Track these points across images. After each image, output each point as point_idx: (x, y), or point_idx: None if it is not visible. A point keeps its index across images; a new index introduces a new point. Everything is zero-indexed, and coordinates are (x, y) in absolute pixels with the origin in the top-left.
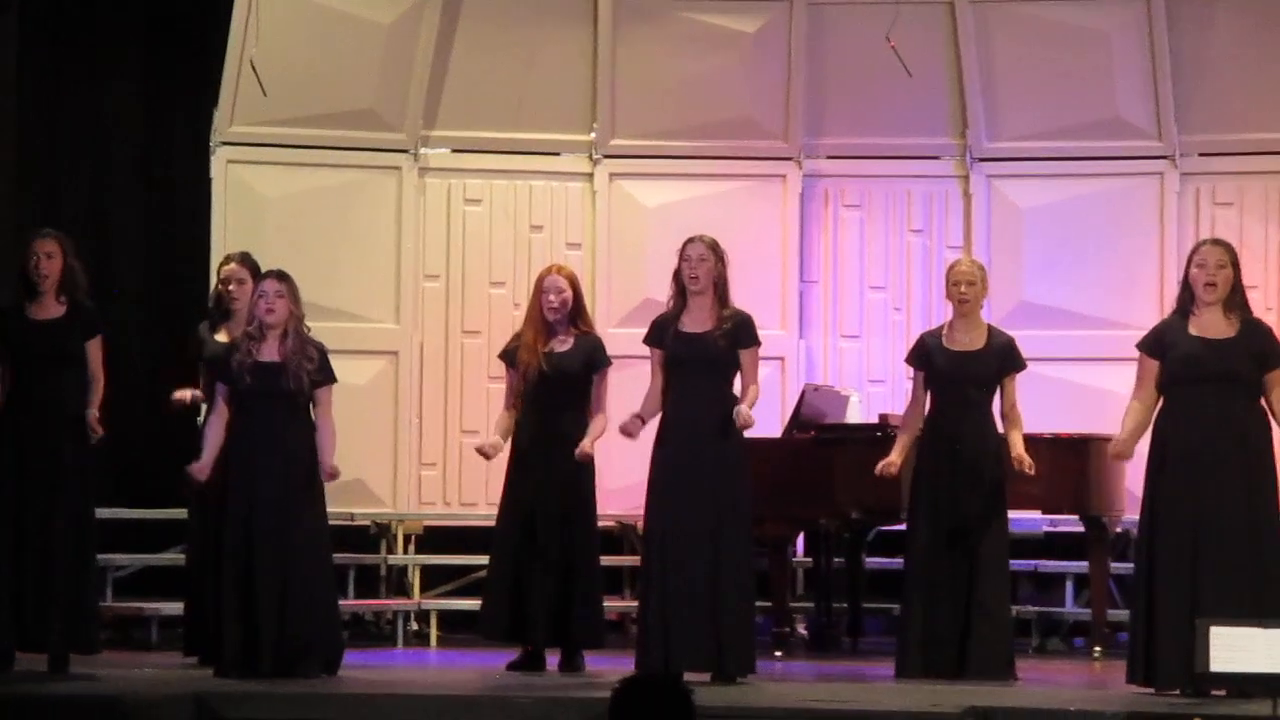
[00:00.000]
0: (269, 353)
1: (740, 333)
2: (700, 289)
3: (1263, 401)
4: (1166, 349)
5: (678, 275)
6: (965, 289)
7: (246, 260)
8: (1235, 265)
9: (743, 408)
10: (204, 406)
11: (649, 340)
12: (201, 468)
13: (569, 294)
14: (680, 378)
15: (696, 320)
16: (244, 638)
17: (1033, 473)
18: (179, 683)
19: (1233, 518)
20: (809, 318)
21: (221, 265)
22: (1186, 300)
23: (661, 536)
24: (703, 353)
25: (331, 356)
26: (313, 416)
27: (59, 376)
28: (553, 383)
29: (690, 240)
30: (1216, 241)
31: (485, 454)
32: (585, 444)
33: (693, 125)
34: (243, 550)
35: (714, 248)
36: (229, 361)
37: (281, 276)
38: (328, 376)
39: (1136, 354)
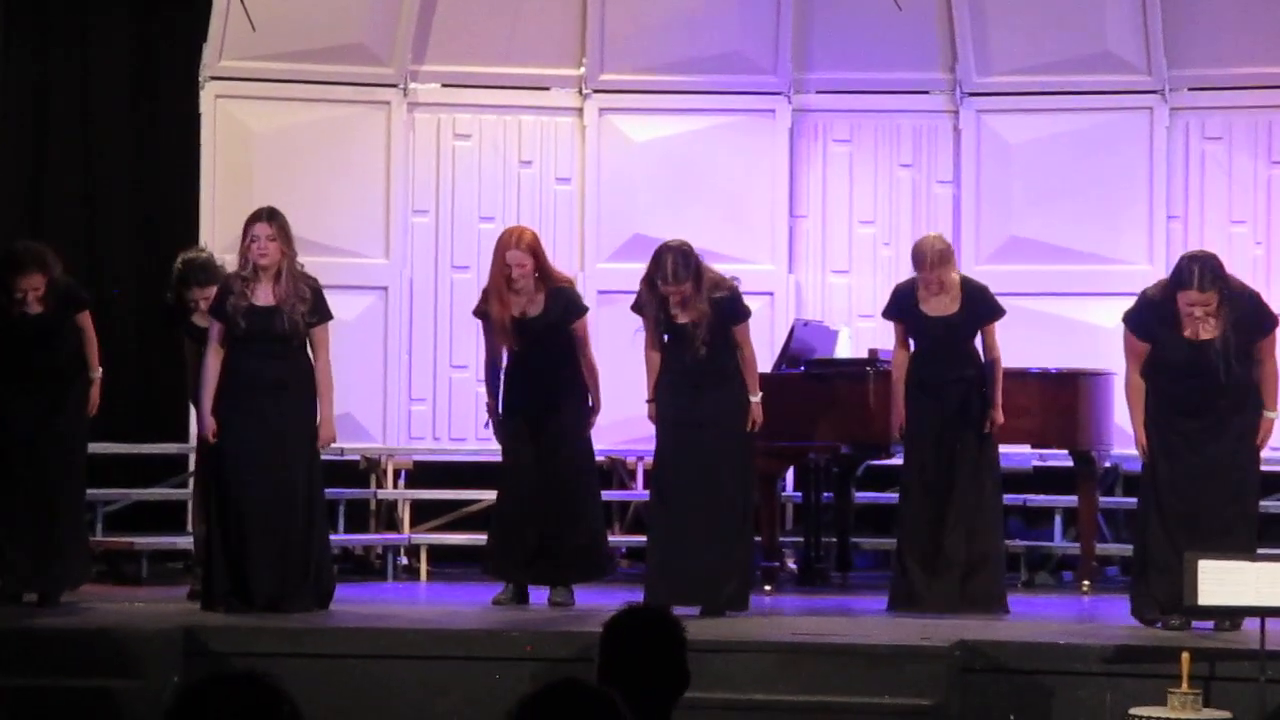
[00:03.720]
0: (264, 295)
1: (729, 312)
2: (680, 302)
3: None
4: (1154, 338)
5: (651, 280)
6: (934, 269)
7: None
8: (1223, 294)
9: (755, 410)
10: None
11: (637, 309)
12: (210, 428)
13: (529, 266)
14: (674, 343)
15: (686, 313)
16: (235, 573)
17: (999, 426)
18: (169, 616)
19: (1223, 458)
20: (798, 253)
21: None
22: (1175, 311)
23: (669, 482)
24: (695, 335)
25: (324, 292)
26: (310, 356)
27: (53, 358)
28: (534, 340)
29: (659, 256)
30: (1203, 284)
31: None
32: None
33: (682, 60)
34: (236, 487)
35: (688, 256)
36: (224, 303)
37: (272, 216)
38: (323, 315)
39: (1125, 289)
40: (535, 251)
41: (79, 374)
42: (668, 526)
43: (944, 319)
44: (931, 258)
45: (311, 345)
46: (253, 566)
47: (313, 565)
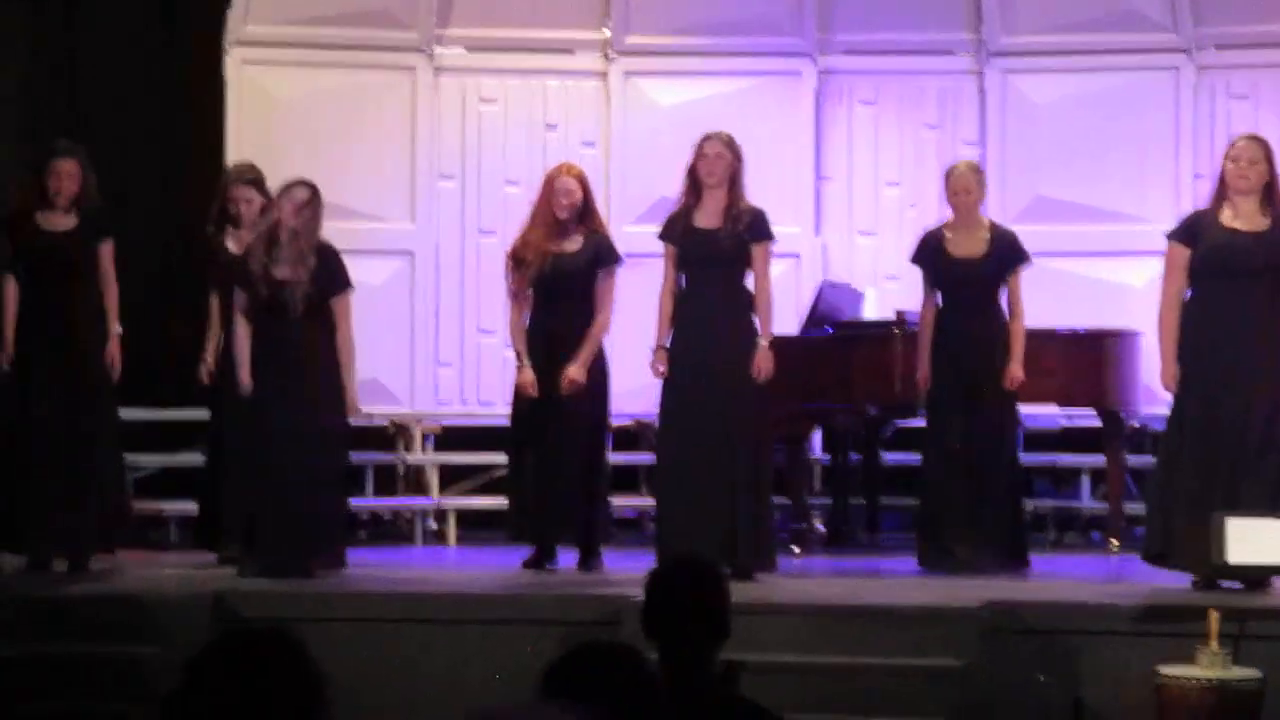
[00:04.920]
0: (283, 263)
1: (754, 227)
2: (716, 184)
3: None
4: (1198, 238)
5: (693, 171)
6: (963, 197)
7: (252, 175)
8: (1270, 160)
9: (761, 357)
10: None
11: (663, 235)
12: (247, 387)
13: (579, 194)
14: (693, 273)
15: (710, 215)
16: (257, 536)
17: (1016, 386)
18: (199, 582)
19: (1257, 411)
20: (824, 214)
21: (226, 181)
22: (1220, 193)
23: (677, 434)
24: (715, 247)
25: (347, 257)
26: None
27: (73, 284)
28: (562, 282)
29: (707, 137)
30: (1253, 137)
31: (523, 380)
32: (572, 370)
33: (707, 22)
34: (250, 450)
35: (730, 144)
36: (246, 272)
37: (299, 184)
38: (340, 284)
39: (1152, 246)
40: (584, 182)
41: (100, 324)
42: (680, 487)
43: (970, 261)
44: (961, 171)
45: (335, 316)
46: (258, 533)
47: (318, 529)
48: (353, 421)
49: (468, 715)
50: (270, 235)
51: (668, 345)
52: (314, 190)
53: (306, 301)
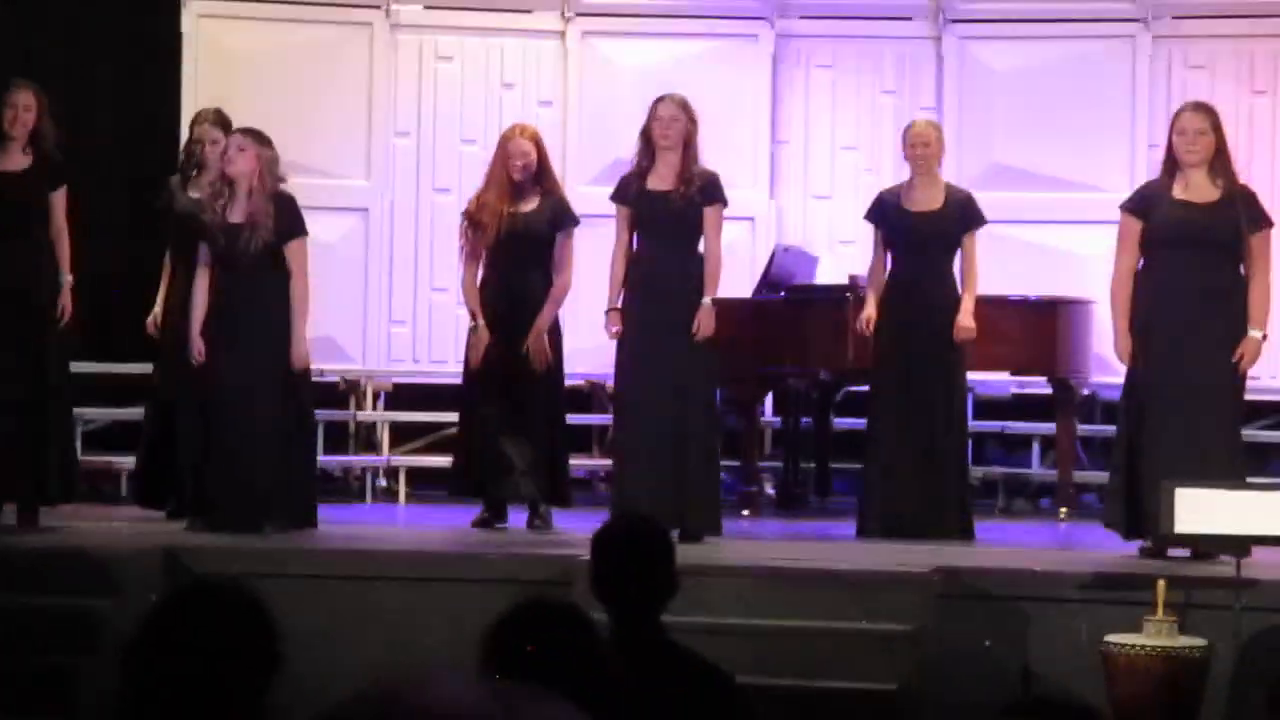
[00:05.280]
0: (237, 212)
1: (706, 190)
2: (670, 146)
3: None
4: (1150, 211)
5: (646, 132)
6: (921, 149)
7: (219, 118)
8: (1217, 129)
9: (703, 314)
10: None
11: (615, 197)
12: (199, 350)
13: (533, 155)
14: (646, 235)
15: (663, 178)
16: (207, 490)
17: (969, 338)
18: (148, 536)
19: (1211, 382)
20: (780, 177)
21: (193, 123)
22: (1170, 164)
23: (632, 395)
24: (668, 210)
25: (304, 213)
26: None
27: (23, 228)
28: (518, 243)
29: (661, 99)
30: (1198, 106)
31: (478, 340)
32: (533, 340)
33: None
34: (209, 404)
35: (685, 106)
36: (203, 221)
37: (246, 131)
38: (293, 229)
39: (1107, 216)
40: (538, 143)
41: (52, 272)
42: (633, 447)
43: (925, 215)
44: (922, 125)
45: (288, 262)
46: (223, 487)
47: (290, 484)
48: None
49: (368, 693)
50: (223, 182)
51: (619, 306)
52: (262, 137)
53: (262, 246)
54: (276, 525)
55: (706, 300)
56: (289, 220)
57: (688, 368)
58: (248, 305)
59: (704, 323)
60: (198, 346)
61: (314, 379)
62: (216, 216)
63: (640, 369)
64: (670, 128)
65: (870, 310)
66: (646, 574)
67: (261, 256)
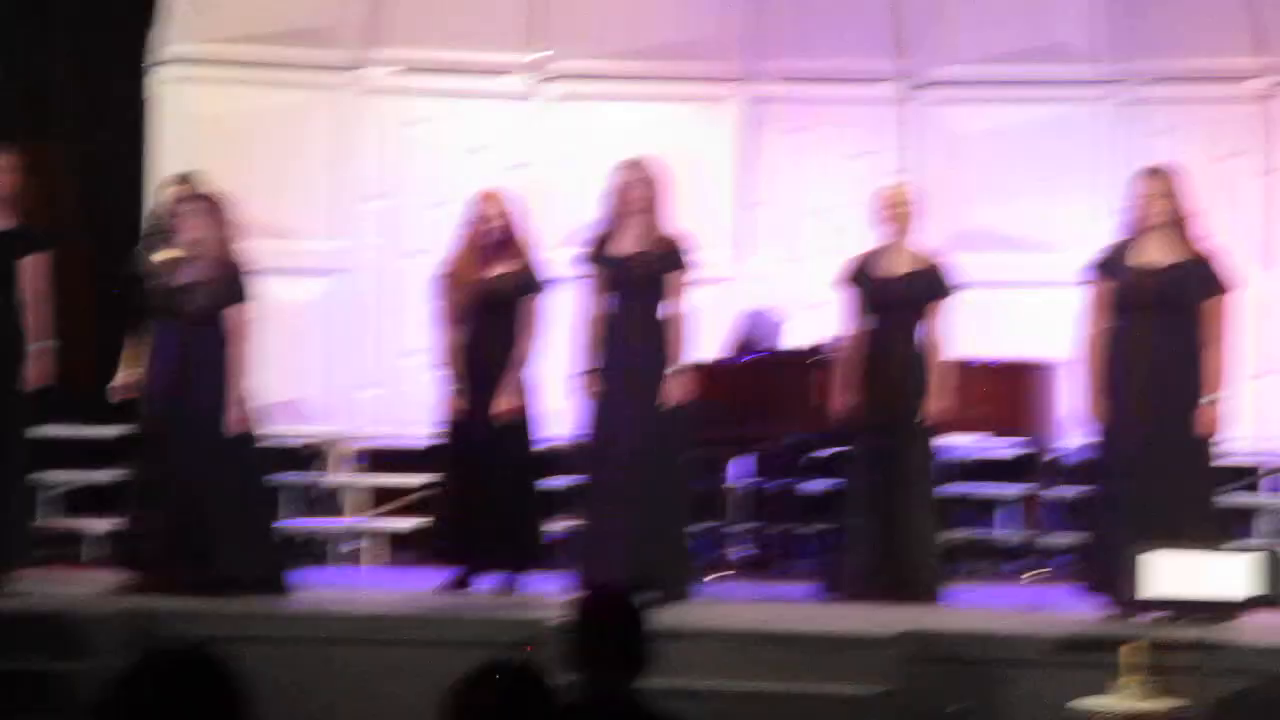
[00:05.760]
0: (185, 274)
1: (671, 255)
2: (635, 211)
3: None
4: (1114, 272)
5: (612, 197)
6: (893, 212)
7: (187, 184)
8: (1174, 194)
9: (670, 381)
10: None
11: (580, 260)
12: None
13: (503, 220)
14: (611, 300)
15: (628, 242)
16: (168, 554)
17: (944, 419)
18: (115, 599)
19: (1175, 445)
20: (750, 240)
21: (160, 189)
22: (1129, 228)
23: (597, 458)
24: (633, 274)
25: (274, 276)
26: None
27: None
28: (489, 307)
29: (626, 164)
30: (1154, 171)
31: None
32: (500, 401)
33: (637, 47)
34: (162, 471)
35: (649, 171)
36: (153, 282)
37: (201, 197)
38: (233, 296)
39: (1073, 279)
40: (510, 208)
41: (20, 336)
42: (598, 510)
43: (895, 280)
44: (894, 190)
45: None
46: (181, 551)
47: (248, 548)
48: (272, 439)
49: None
50: (170, 249)
51: (591, 368)
52: (213, 199)
53: (203, 307)
54: (241, 589)
55: (673, 368)
56: (234, 285)
57: (656, 431)
58: (187, 367)
59: (673, 391)
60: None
61: (282, 442)
62: (163, 281)
63: (606, 432)
64: (634, 192)
65: (844, 398)
66: (621, 645)
67: (202, 318)
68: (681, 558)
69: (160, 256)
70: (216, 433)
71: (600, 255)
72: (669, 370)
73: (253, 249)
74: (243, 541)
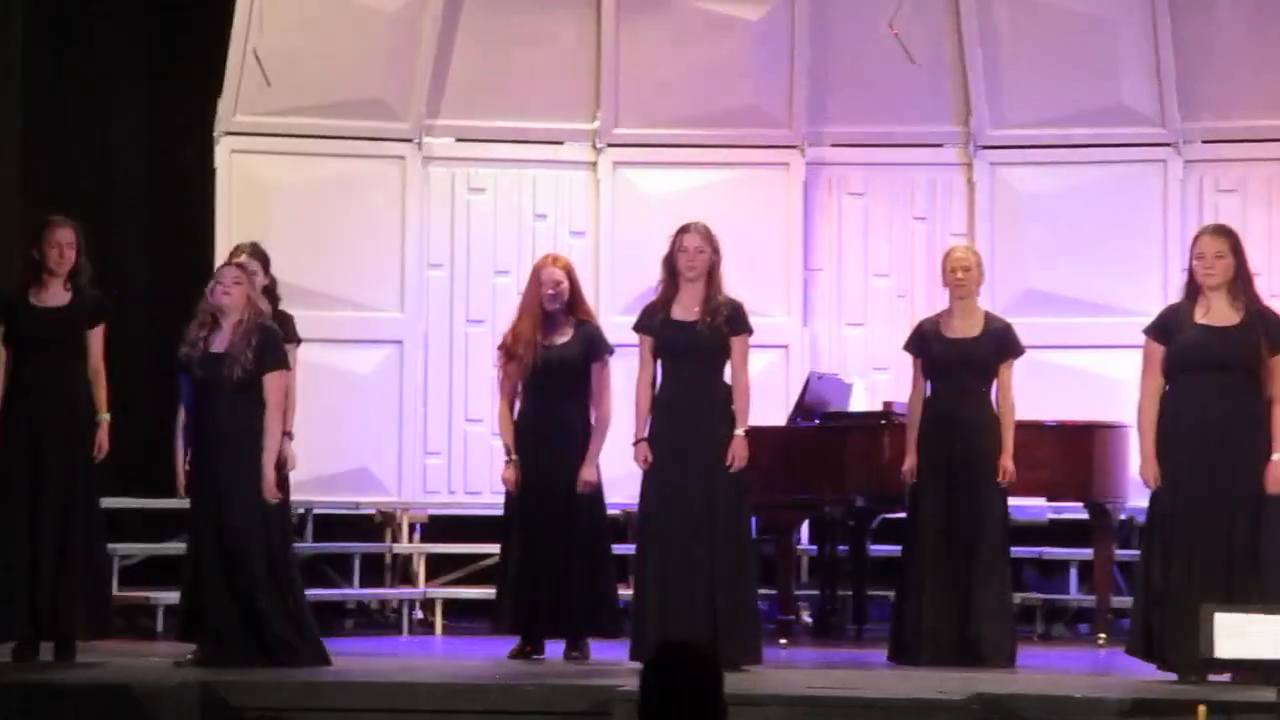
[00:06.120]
0: (219, 342)
1: (732, 320)
2: (695, 276)
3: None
4: (1172, 334)
5: (671, 262)
6: (961, 275)
7: (256, 251)
8: (1237, 252)
9: (736, 445)
10: None
11: (639, 327)
12: (179, 483)
13: (566, 285)
14: (672, 365)
15: (688, 308)
16: (213, 625)
17: (1011, 480)
18: (186, 671)
19: (1238, 505)
20: (813, 305)
21: (231, 255)
22: (1192, 288)
23: (658, 524)
24: (695, 340)
25: (335, 345)
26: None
27: (63, 364)
28: (553, 374)
29: (686, 229)
30: (1217, 230)
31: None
32: (586, 472)
33: (696, 114)
34: (205, 542)
35: (709, 236)
36: (180, 351)
37: (231, 267)
38: (274, 362)
39: (1140, 340)
40: (570, 273)
41: (88, 407)
42: (660, 577)
43: (964, 342)
44: (962, 252)
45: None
46: (220, 621)
47: (302, 618)
48: (338, 509)
49: None
50: (206, 317)
51: (646, 436)
52: (243, 269)
53: (241, 376)
54: (283, 662)
55: (739, 431)
56: (271, 352)
57: (720, 497)
58: (224, 436)
59: (738, 454)
60: (179, 481)
61: (350, 511)
62: (197, 349)
63: (669, 499)
64: (696, 259)
65: (911, 460)
66: (695, 703)
67: (241, 388)
68: (749, 623)
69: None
70: (258, 501)
71: (661, 320)
72: (736, 433)
73: (316, 318)
74: (282, 611)
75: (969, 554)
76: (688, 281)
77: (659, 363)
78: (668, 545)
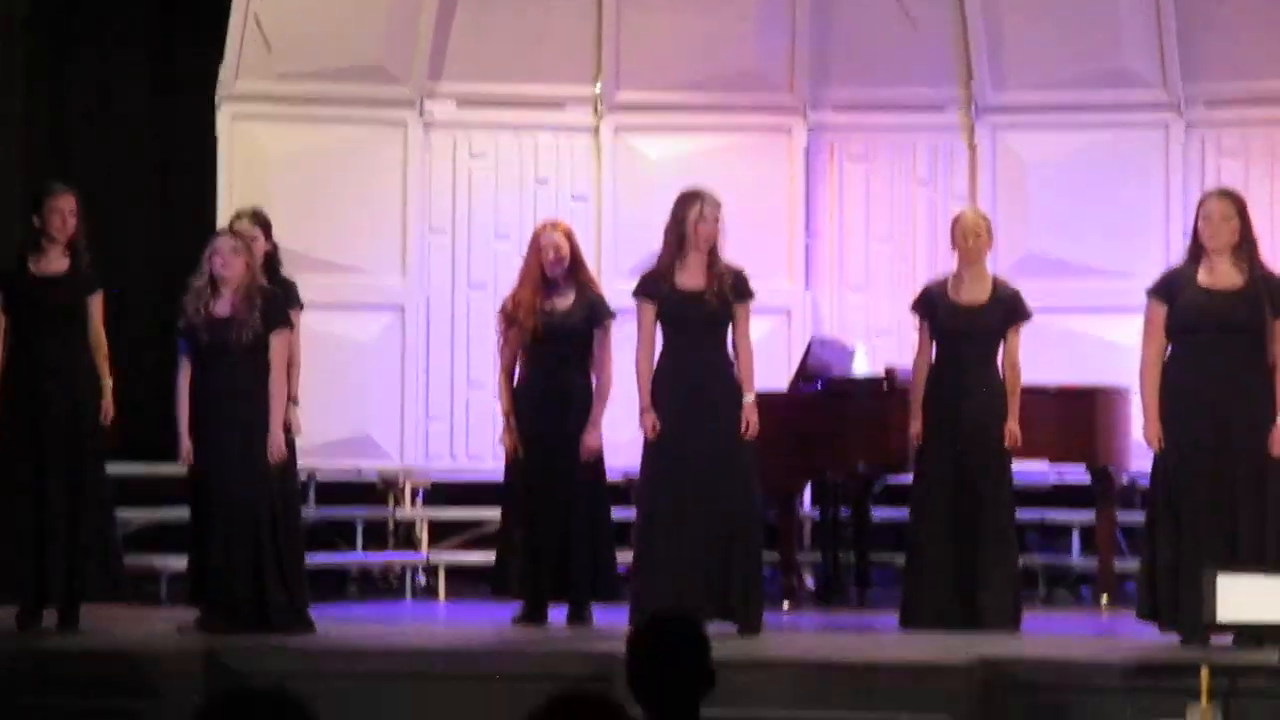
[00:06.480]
0: (222, 307)
1: (737, 287)
2: (708, 247)
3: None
4: (1174, 296)
5: (679, 229)
6: (972, 241)
7: (258, 217)
8: (1242, 215)
9: (748, 412)
10: None
11: (644, 294)
12: (187, 452)
13: (567, 250)
14: (676, 333)
15: (693, 276)
16: (212, 592)
17: (1018, 445)
18: (190, 637)
19: (1240, 468)
20: (815, 270)
21: (232, 222)
22: (1196, 250)
23: (662, 491)
24: (703, 309)
25: (337, 311)
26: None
27: (64, 331)
28: (555, 340)
29: (701, 198)
30: (1223, 193)
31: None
32: (590, 438)
33: (698, 78)
34: (211, 507)
35: (715, 202)
36: (180, 319)
37: (238, 233)
38: (278, 322)
39: (1143, 304)
40: (571, 238)
41: (92, 374)
42: (665, 544)
43: (973, 309)
44: (971, 216)
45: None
46: (227, 586)
47: (293, 585)
48: (339, 475)
49: None
50: (206, 286)
51: (652, 404)
52: (240, 236)
53: (252, 340)
54: (284, 627)
55: (749, 398)
56: (276, 312)
57: (730, 464)
58: (236, 402)
59: (751, 420)
60: (186, 448)
61: (353, 477)
62: (200, 315)
63: (676, 467)
64: (715, 230)
65: (917, 425)
66: (682, 670)
67: (249, 351)
68: (756, 589)
69: (185, 297)
70: (264, 463)
71: (667, 288)
72: (747, 400)
73: (318, 283)
74: (284, 579)
75: (975, 520)
76: (696, 250)
77: (663, 330)
78: (672, 511)
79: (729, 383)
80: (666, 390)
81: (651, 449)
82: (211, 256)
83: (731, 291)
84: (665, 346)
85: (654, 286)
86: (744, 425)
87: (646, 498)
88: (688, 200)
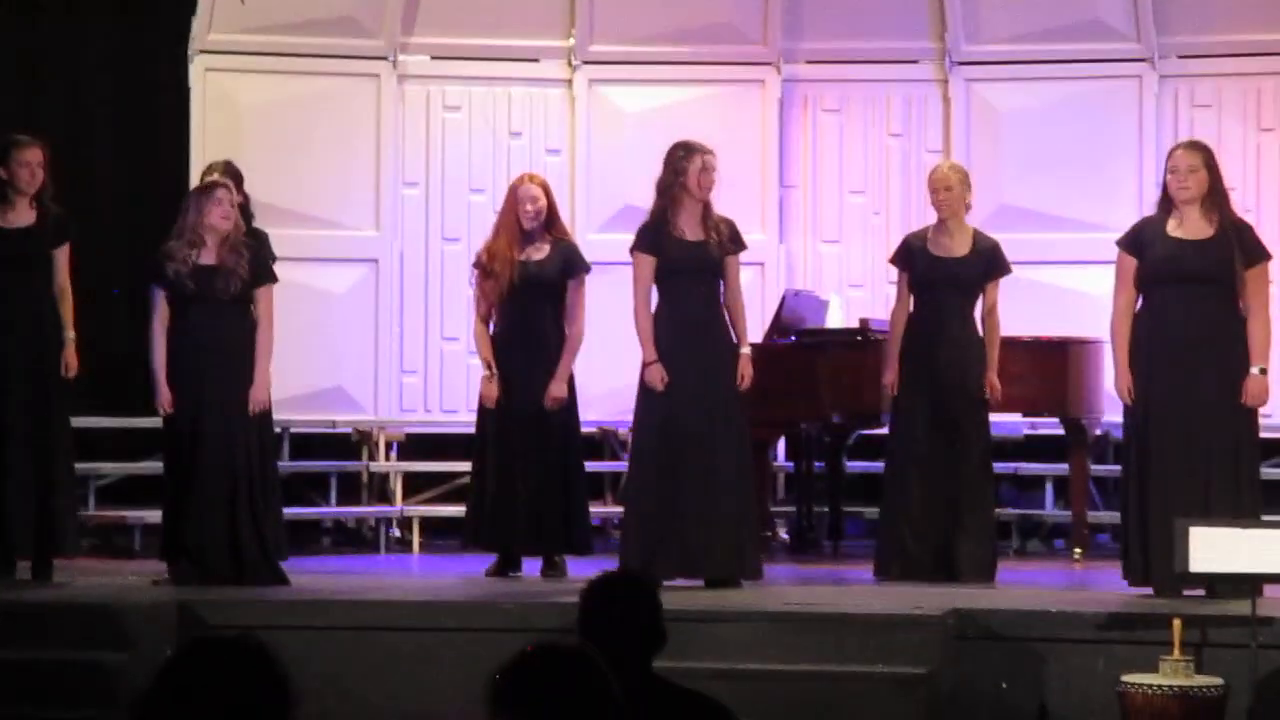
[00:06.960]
0: (207, 256)
1: (734, 238)
2: (698, 195)
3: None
4: (1145, 247)
5: (679, 181)
6: (943, 194)
7: (229, 170)
8: (1210, 166)
9: (744, 363)
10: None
11: (643, 248)
12: (166, 400)
13: (543, 202)
14: (675, 284)
15: (691, 228)
16: (188, 543)
17: (998, 397)
18: (163, 589)
19: (1212, 418)
20: (789, 222)
21: (204, 174)
22: (1166, 202)
23: (659, 443)
24: (705, 259)
25: (311, 264)
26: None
27: (30, 284)
28: (531, 291)
29: (703, 150)
30: (1191, 145)
31: (490, 389)
32: (555, 388)
33: (672, 30)
34: (188, 455)
35: (713, 155)
36: (165, 267)
37: (226, 187)
38: (262, 276)
39: (1114, 256)
40: (547, 191)
41: (56, 328)
42: (659, 496)
43: (952, 260)
44: (945, 170)
45: (256, 306)
46: (203, 536)
47: (267, 537)
48: (315, 427)
49: None
50: (197, 235)
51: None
52: (221, 186)
53: (240, 287)
54: (259, 578)
55: (746, 349)
56: (264, 264)
57: (728, 414)
58: (219, 350)
59: (747, 373)
60: (165, 397)
61: (327, 430)
62: (184, 265)
63: (672, 416)
64: (703, 177)
65: (892, 374)
66: (631, 628)
67: (234, 301)
68: (754, 540)
69: (166, 244)
70: (244, 415)
71: (667, 240)
72: (743, 351)
73: (291, 236)
74: (259, 531)
75: (952, 473)
76: (694, 201)
77: (660, 283)
78: (671, 464)
79: (725, 332)
80: (671, 342)
81: (650, 398)
82: (212, 207)
83: (730, 241)
84: (663, 299)
85: (653, 239)
86: (740, 377)
87: (644, 448)
88: (688, 153)
